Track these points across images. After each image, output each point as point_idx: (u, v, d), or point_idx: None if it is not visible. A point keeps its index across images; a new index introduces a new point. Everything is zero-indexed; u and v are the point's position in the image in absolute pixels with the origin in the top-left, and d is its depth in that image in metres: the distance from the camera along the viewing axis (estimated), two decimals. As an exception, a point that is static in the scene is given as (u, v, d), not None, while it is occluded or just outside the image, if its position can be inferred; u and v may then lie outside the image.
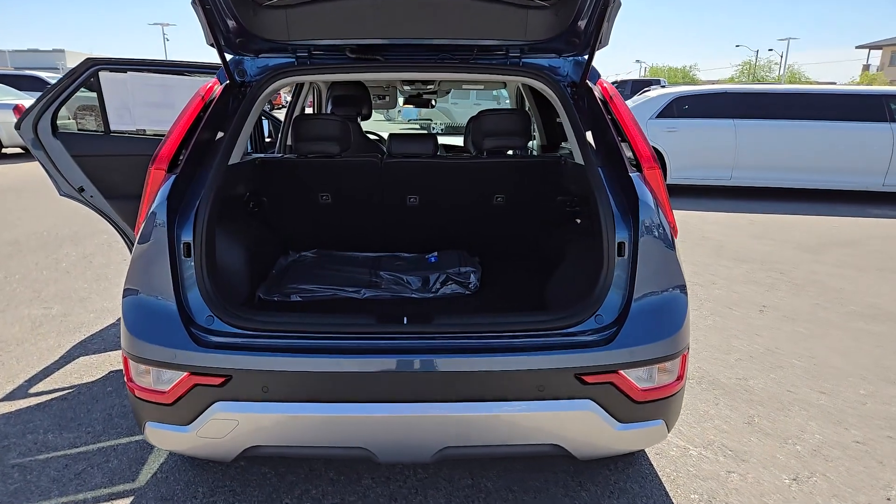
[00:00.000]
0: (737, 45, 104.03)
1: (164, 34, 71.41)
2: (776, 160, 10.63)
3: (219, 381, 2.38)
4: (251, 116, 3.05)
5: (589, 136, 2.92)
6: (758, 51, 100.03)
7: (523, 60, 3.14)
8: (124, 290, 2.61)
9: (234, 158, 3.03)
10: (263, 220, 3.95)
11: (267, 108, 6.35)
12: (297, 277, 3.46)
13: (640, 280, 2.58)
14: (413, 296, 3.31)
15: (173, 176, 2.69)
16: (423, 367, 2.40)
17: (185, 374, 2.41)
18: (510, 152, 4.01)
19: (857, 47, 67.39)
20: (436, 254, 3.84)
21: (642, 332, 2.51)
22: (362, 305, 3.22)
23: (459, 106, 21.93)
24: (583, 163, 2.93)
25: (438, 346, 2.47)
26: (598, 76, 3.19)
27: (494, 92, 22.83)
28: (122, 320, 2.56)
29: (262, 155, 3.76)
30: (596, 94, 3.07)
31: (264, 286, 3.37)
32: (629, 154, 2.83)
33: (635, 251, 2.58)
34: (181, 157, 2.77)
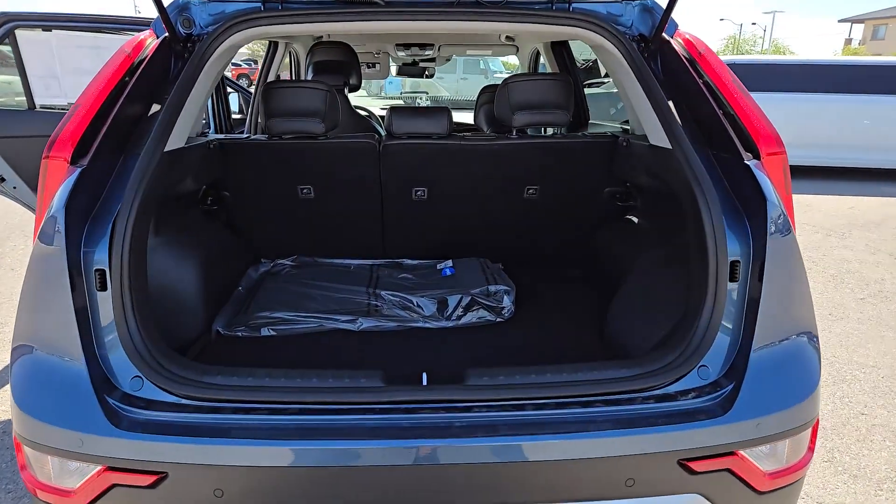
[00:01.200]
0: (721, 19, 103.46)
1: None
2: (788, 135, 9.88)
3: (148, 480, 1.63)
4: (201, 83, 2.17)
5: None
6: (741, 24, 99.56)
7: (573, 5, 2.28)
8: (13, 344, 1.79)
9: (177, 141, 2.15)
10: (226, 222, 3.07)
11: (240, 81, 5.36)
12: (269, 299, 2.60)
13: (765, 316, 1.80)
14: (427, 325, 2.47)
15: (79, 169, 1.83)
16: (458, 458, 1.62)
17: (100, 467, 1.65)
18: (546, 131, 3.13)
19: (839, 21, 67.11)
20: (450, 263, 2.99)
21: (770, 391, 1.79)
22: (359, 345, 2.38)
23: (445, 81, 20.93)
24: (663, 144, 2.10)
25: (477, 422, 1.68)
26: (676, 27, 2.34)
27: (481, 64, 21.80)
28: (10, 388, 1.75)
29: (221, 136, 2.86)
30: (678, 50, 2.24)
31: (225, 314, 2.51)
32: (732, 133, 2.02)
33: (758, 274, 1.81)
34: (93, 142, 1.90)
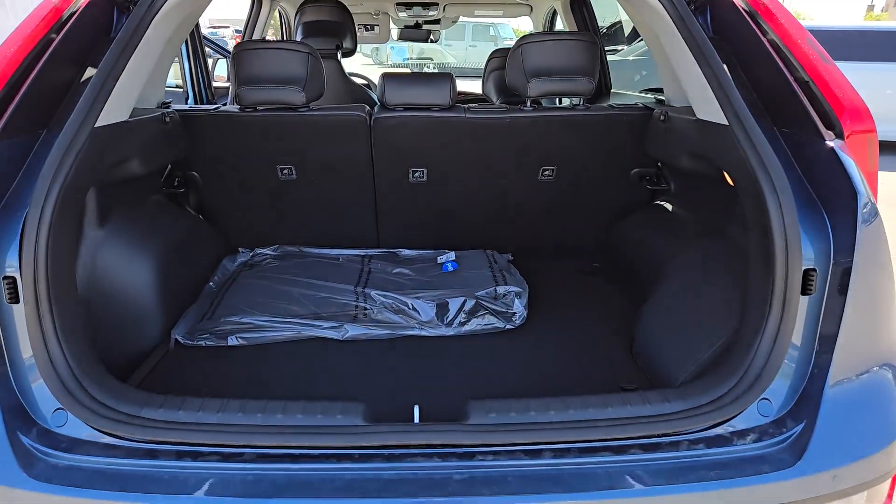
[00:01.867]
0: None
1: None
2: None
3: None
4: (151, 43, 1.78)
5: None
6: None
7: None
8: None
9: (115, 114, 1.76)
10: (197, 207, 2.69)
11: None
12: (241, 299, 2.23)
13: (847, 340, 1.49)
14: (423, 333, 2.09)
15: (-18, 148, 1.47)
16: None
17: (9, 524, 1.30)
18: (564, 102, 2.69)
19: (862, -14, 64.73)
20: (453, 256, 2.60)
21: (849, 435, 1.46)
22: (341, 359, 2.00)
23: (453, 48, 20.19)
24: (716, 119, 1.70)
25: (482, 474, 1.35)
26: (729, -27, 1.90)
27: (491, 30, 20.99)
28: None
29: (185, 107, 2.46)
30: (737, 1, 1.82)
31: (189, 318, 2.14)
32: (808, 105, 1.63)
33: (838, 286, 1.46)
34: (2, 114, 1.53)
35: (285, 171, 2.54)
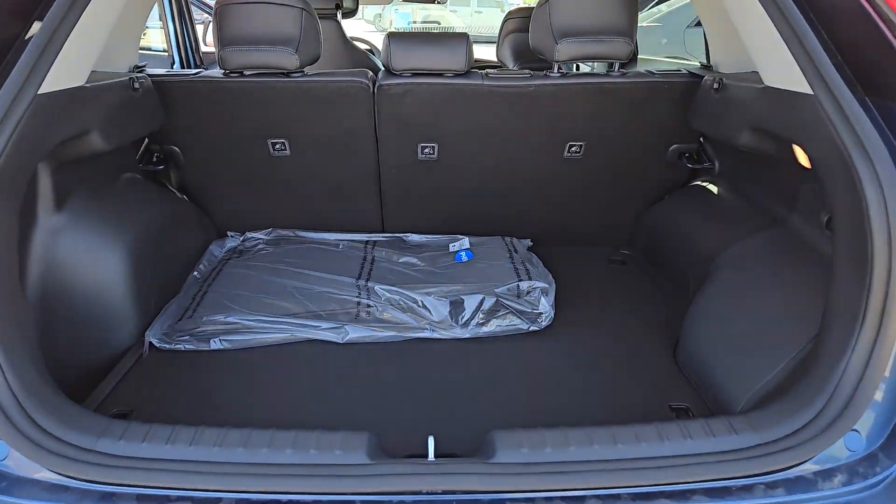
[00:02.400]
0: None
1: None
2: None
3: None
4: None
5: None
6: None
7: None
8: None
9: (68, 78, 1.47)
10: (180, 186, 2.40)
11: None
12: (227, 293, 1.96)
13: None
14: (435, 335, 1.82)
15: None
16: None
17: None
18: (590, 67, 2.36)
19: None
20: (467, 243, 2.31)
21: None
22: (340, 368, 1.73)
23: (458, 14, 19.56)
24: (796, 87, 1.41)
25: None
26: None
27: (500, -5, 20.29)
28: None
29: (160, 71, 2.15)
30: None
31: (166, 316, 1.87)
32: None
33: None
34: None
35: (277, 146, 2.24)
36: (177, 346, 1.75)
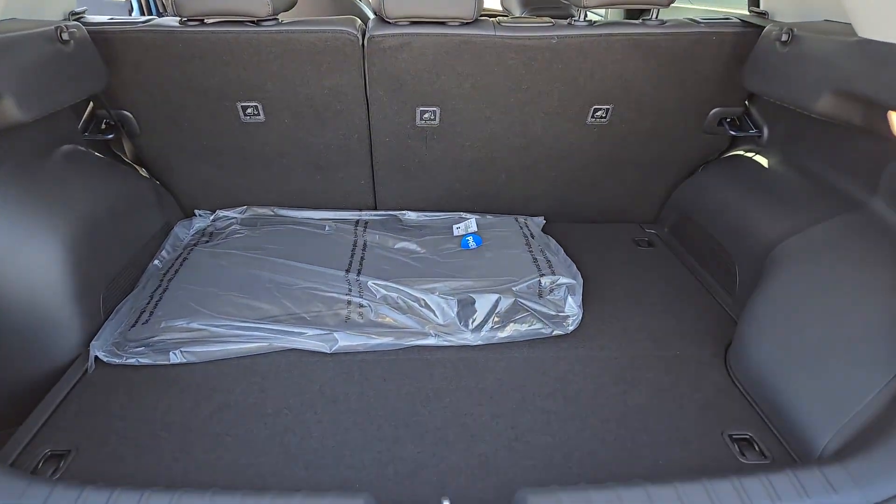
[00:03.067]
0: None
1: None
2: None
3: None
4: None
5: None
6: None
7: None
8: None
9: None
10: (136, 158, 2.05)
11: None
12: (190, 289, 1.64)
13: None
14: (441, 343, 1.53)
15: None
16: None
17: None
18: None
19: None
20: (474, 225, 1.99)
21: None
22: (327, 387, 1.43)
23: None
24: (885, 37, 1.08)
25: None
26: None
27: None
28: None
29: (100, 19, 1.76)
30: None
31: (117, 322, 1.56)
32: None
33: None
34: None
35: (249, 111, 1.89)
36: (129, 361, 1.44)
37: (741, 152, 2.03)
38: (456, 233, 1.98)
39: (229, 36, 1.71)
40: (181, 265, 1.79)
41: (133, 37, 1.71)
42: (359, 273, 1.74)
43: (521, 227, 1.99)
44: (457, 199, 2.20)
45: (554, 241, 1.96)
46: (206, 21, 1.71)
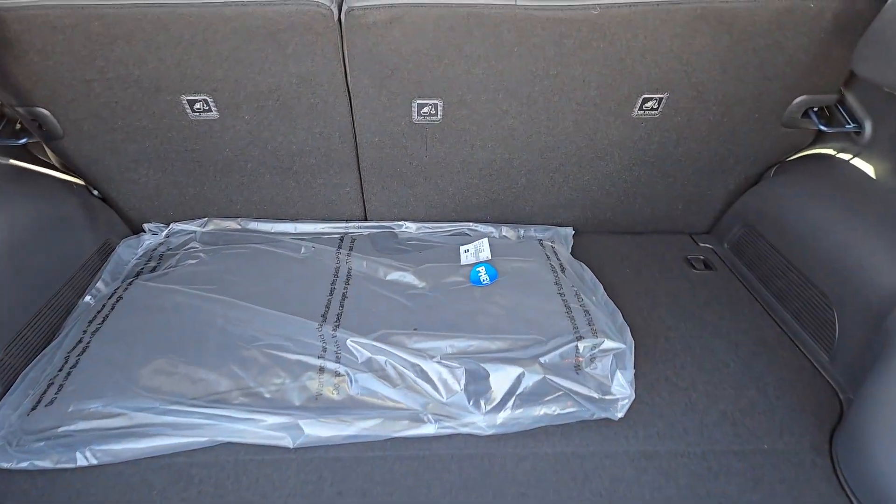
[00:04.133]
0: None
1: None
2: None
3: None
4: None
5: None
6: None
7: None
8: None
9: None
10: (63, 166, 1.65)
11: None
12: (119, 346, 1.26)
13: None
14: (443, 431, 1.14)
15: None
16: None
17: None
18: None
19: None
20: (486, 249, 1.57)
21: None
22: (294, 502, 1.06)
23: None
24: None
25: None
26: None
27: None
28: None
29: None
30: None
31: (13, 400, 1.18)
32: None
33: None
34: None
35: (197, 106, 1.47)
36: (20, 465, 1.07)
37: (830, 152, 1.59)
38: (464, 259, 1.56)
39: (161, 11, 1.28)
40: (112, 309, 1.40)
41: (32, 15, 1.28)
42: (337, 322, 1.34)
43: (548, 255, 1.56)
44: (465, 207, 1.78)
45: (588, 271, 1.54)
46: None
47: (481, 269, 1.47)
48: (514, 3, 1.30)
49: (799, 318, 1.44)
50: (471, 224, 1.80)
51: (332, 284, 1.49)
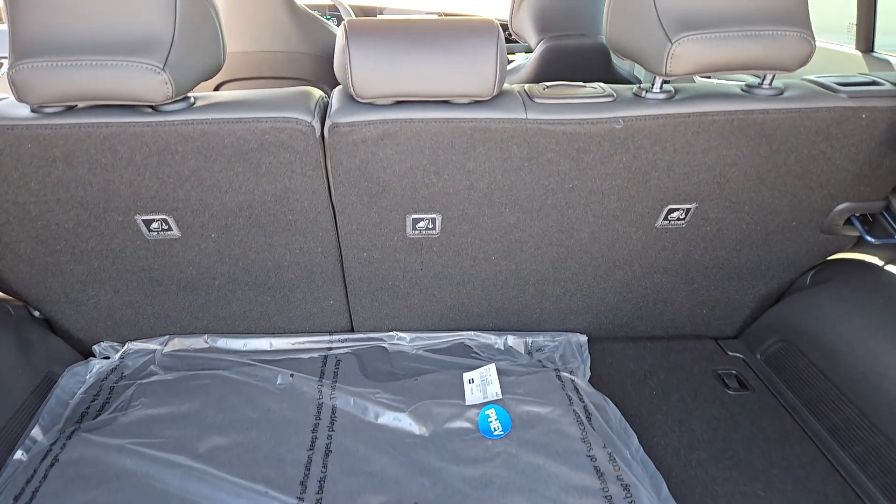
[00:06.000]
0: None
1: None
2: None
3: None
4: None
5: None
6: None
7: None
8: None
9: None
10: None
11: None
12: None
13: None
14: None
15: None
16: None
17: None
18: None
19: None
20: (495, 381, 1.37)
21: None
22: None
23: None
24: None
25: None
26: None
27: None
28: None
29: None
30: None
31: None
32: None
33: None
34: None
35: (155, 225, 1.26)
36: None
37: (876, 261, 1.42)
38: (469, 394, 1.35)
39: (107, 131, 1.07)
40: (44, 479, 1.15)
41: None
42: (320, 492, 1.11)
43: (569, 396, 1.34)
44: (465, 316, 1.58)
45: (614, 409, 1.33)
46: (75, 107, 1.08)
47: (491, 413, 1.26)
48: (524, 116, 1.12)
49: (865, 468, 1.25)
50: (471, 333, 1.60)
51: (313, 432, 1.27)
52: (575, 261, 1.42)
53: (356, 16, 3.33)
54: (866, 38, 1.69)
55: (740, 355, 1.61)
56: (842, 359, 1.33)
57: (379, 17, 3.44)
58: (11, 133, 1.06)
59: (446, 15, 3.52)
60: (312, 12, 2.27)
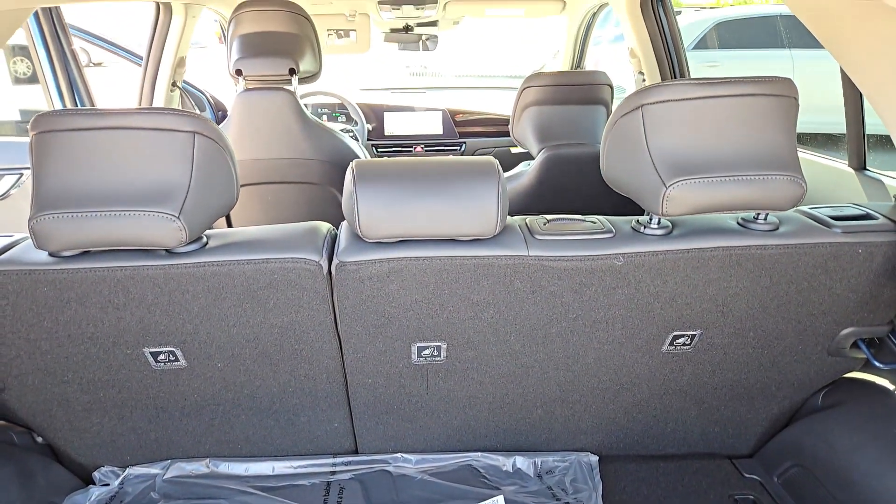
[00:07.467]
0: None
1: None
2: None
3: None
4: None
5: None
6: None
7: None
8: None
9: None
10: (6, 417, 1.42)
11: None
12: None
13: None
14: None
15: None
16: None
17: None
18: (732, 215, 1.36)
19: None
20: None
21: None
22: None
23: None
24: None
25: None
26: None
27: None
28: None
29: None
30: None
31: None
32: None
33: None
34: None
35: (162, 357, 1.27)
36: None
37: (887, 384, 1.40)
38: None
39: (122, 273, 1.11)
40: None
41: None
42: None
43: None
44: (472, 436, 1.55)
45: None
46: (90, 252, 1.11)
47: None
48: (526, 253, 1.14)
49: None
50: (479, 454, 1.56)
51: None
52: (582, 384, 1.41)
53: (363, 114, 3.49)
54: (857, 155, 1.74)
55: (757, 477, 1.56)
56: (859, 493, 1.28)
57: (386, 113, 3.62)
58: (29, 277, 1.10)
59: (451, 112, 3.68)
60: (322, 111, 2.37)
